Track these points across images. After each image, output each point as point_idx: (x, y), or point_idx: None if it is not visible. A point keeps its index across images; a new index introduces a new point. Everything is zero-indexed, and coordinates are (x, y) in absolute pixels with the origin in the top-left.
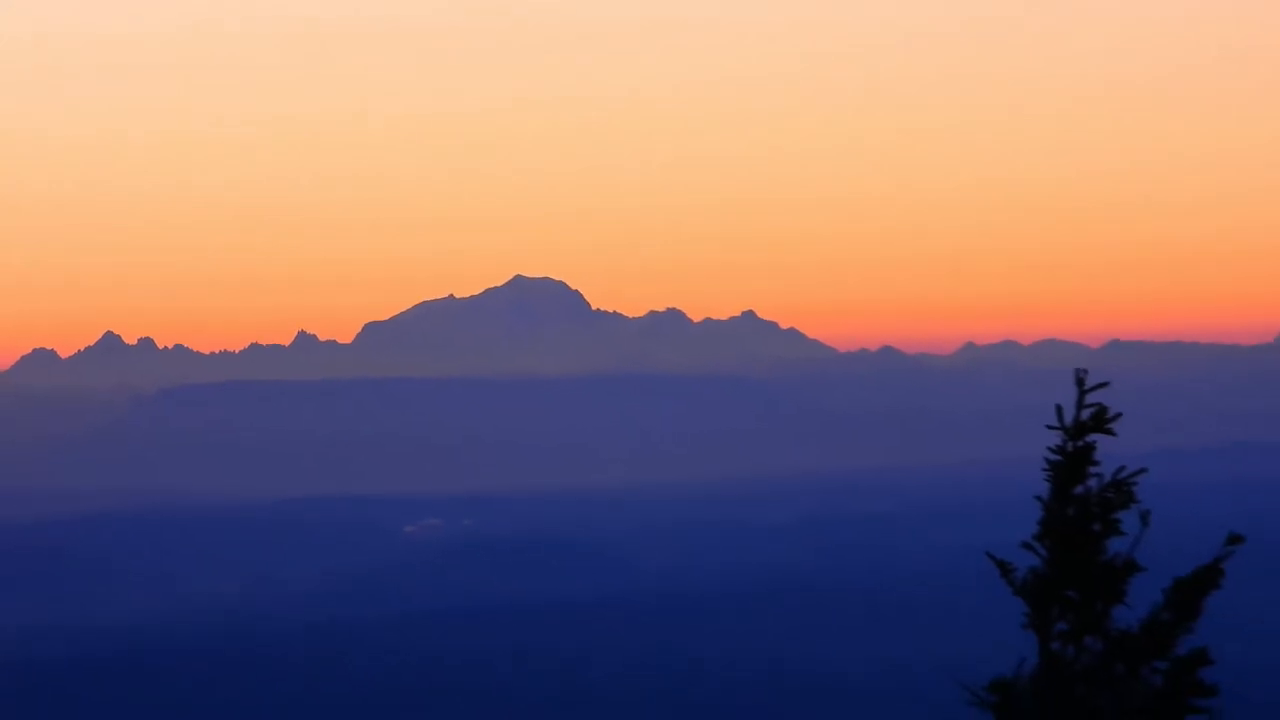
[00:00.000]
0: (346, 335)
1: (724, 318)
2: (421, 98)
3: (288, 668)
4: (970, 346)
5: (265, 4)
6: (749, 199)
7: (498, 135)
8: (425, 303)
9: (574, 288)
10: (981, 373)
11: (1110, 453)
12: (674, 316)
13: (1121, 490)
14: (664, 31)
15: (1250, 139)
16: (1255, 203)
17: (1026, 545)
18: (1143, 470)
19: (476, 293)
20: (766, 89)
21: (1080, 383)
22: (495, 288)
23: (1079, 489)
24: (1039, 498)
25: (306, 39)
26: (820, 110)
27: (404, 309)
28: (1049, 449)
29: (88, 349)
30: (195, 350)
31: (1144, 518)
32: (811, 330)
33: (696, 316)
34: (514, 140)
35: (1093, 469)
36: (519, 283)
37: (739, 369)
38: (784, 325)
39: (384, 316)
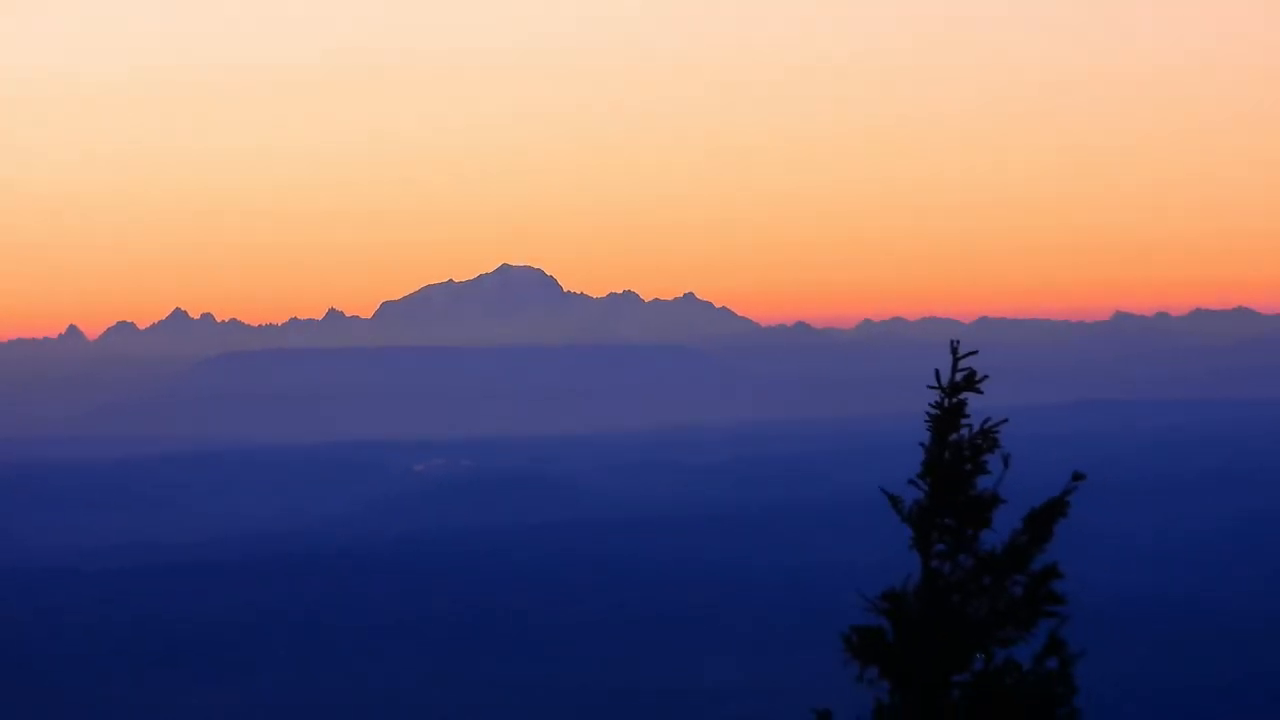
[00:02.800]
0: (367, 311)
1: (669, 298)
2: (426, 118)
3: (320, 578)
4: (867, 322)
5: (313, 36)
6: (691, 201)
7: (487, 149)
8: (430, 285)
9: (549, 273)
10: (876, 343)
11: (979, 407)
12: (629, 297)
13: (988, 438)
14: (619, 64)
15: (1094, 152)
16: (1097, 206)
17: (912, 482)
18: (1004, 421)
19: (471, 277)
20: (703, 111)
21: (955, 351)
22: (486, 273)
23: (954, 437)
24: (922, 444)
25: (342, 72)
26: (748, 123)
27: (413, 290)
28: (930, 405)
29: (160, 322)
30: (246, 323)
31: (1005, 460)
32: (740, 308)
33: (647, 297)
34: (501, 153)
35: (964, 421)
36: (505, 270)
37: (681, 339)
38: (718, 305)
39: (397, 296)
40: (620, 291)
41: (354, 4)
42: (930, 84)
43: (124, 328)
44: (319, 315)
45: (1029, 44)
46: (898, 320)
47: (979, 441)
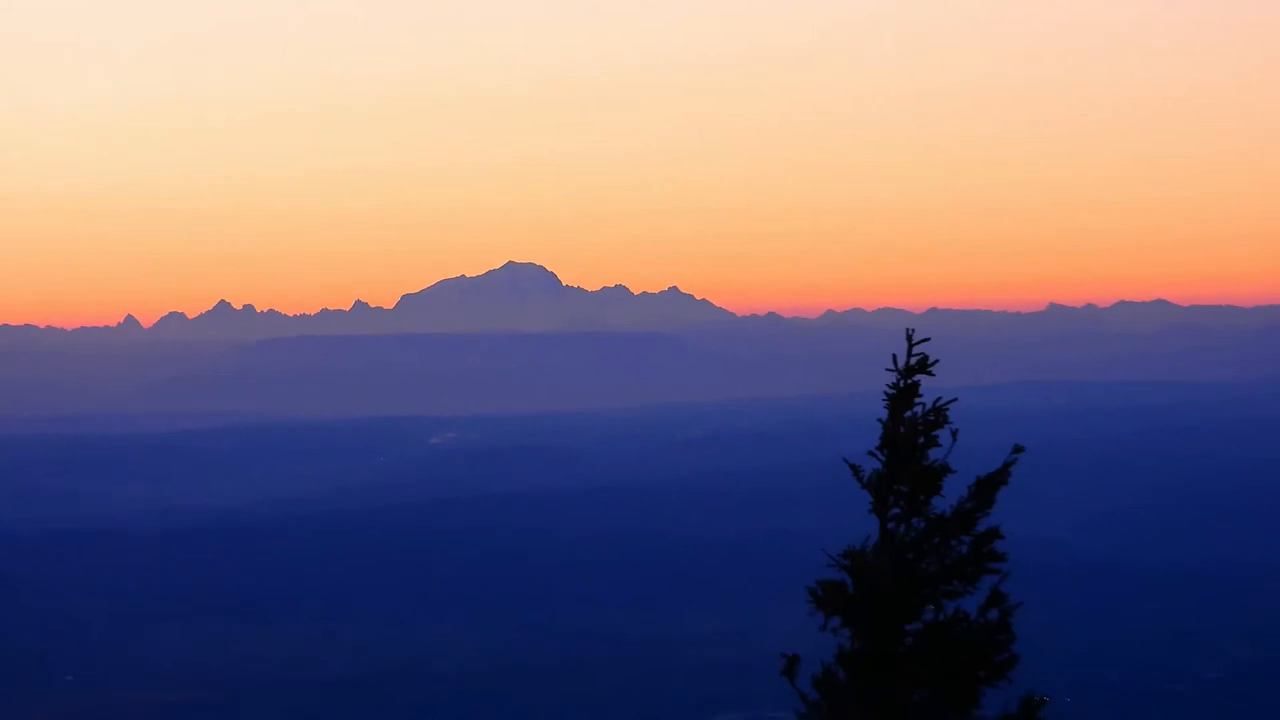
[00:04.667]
0: (389, 303)
1: (656, 291)
2: (441, 136)
3: (349, 536)
4: (830, 313)
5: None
6: (675, 205)
7: (495, 161)
8: (445, 280)
9: (550, 269)
10: (838, 331)
11: (930, 388)
12: (620, 290)
13: (938, 415)
14: (608, 88)
15: (1030, 163)
16: (1033, 211)
17: (871, 454)
18: (953, 400)
19: (481, 273)
20: (684, 124)
21: (909, 338)
22: (494, 269)
23: (908, 413)
24: (880, 420)
25: (364, 100)
26: (726, 134)
27: (430, 284)
28: (887, 385)
29: (207, 312)
30: (283, 313)
31: (954, 434)
32: (717, 300)
33: (636, 290)
34: (507, 165)
35: (918, 399)
36: (511, 266)
37: (666, 328)
38: (698, 297)
39: (416, 289)
40: (612, 285)
41: (372, 42)
42: (883, 100)
43: (175, 317)
44: (347, 306)
45: (971, 57)
46: (857, 310)
47: (931, 418)
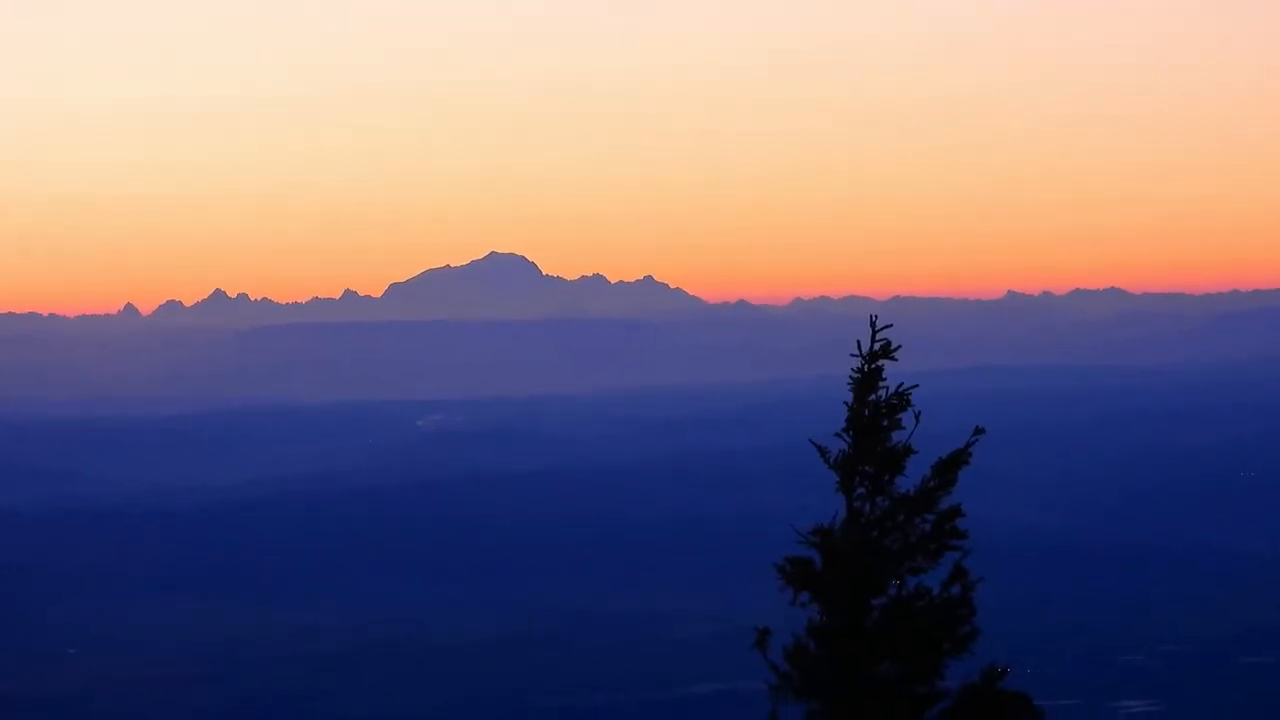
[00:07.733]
0: (378, 291)
1: (632, 280)
2: (428, 133)
3: (340, 515)
4: (798, 300)
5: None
6: (650, 197)
7: (479, 154)
8: (431, 269)
9: (531, 259)
10: (806, 318)
11: (893, 372)
12: (598, 279)
13: (901, 398)
14: (585, 85)
15: (989, 157)
16: (991, 202)
17: (837, 435)
18: (915, 385)
19: (465, 263)
20: (658, 120)
21: (873, 325)
22: (478, 259)
23: (872, 397)
24: (846, 403)
25: (359, 98)
26: (699, 127)
27: (416, 274)
28: (852, 370)
29: (203, 300)
30: (276, 301)
31: (916, 417)
32: (690, 288)
33: (613, 279)
34: (491, 158)
35: (881, 383)
36: (493, 255)
37: (641, 315)
38: (672, 285)
39: (403, 279)
40: (590, 274)
41: (363, 45)
42: (846, 104)
43: (172, 305)
44: (337, 295)
45: (929, 63)
46: (824, 298)
47: (894, 401)
